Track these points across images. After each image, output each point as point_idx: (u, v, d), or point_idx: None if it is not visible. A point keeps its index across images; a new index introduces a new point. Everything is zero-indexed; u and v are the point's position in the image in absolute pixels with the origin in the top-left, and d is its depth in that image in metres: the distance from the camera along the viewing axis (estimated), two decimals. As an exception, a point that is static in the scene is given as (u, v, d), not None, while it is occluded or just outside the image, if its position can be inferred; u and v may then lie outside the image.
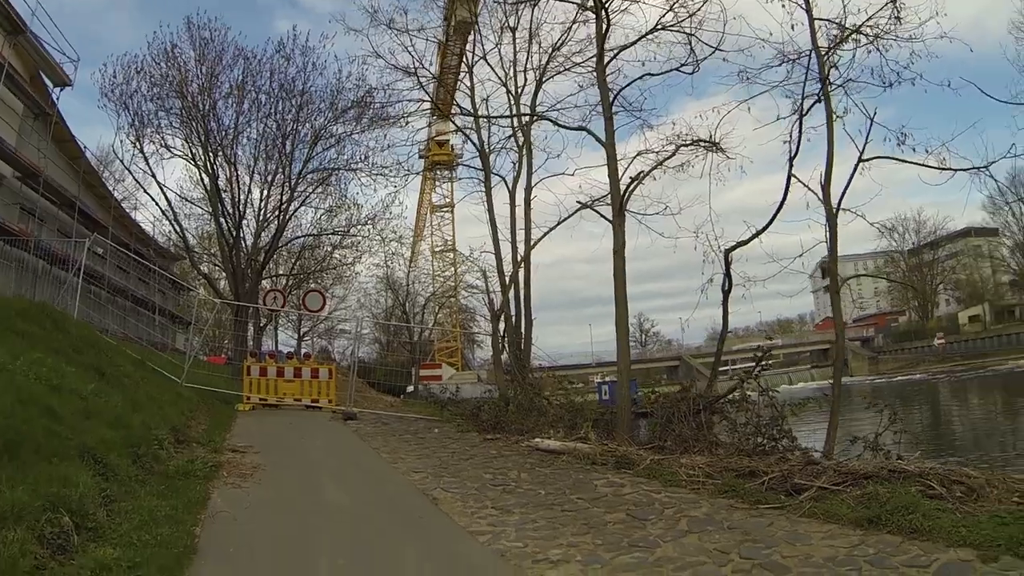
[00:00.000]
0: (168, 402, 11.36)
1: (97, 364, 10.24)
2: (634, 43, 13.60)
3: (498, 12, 19.41)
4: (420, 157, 37.65)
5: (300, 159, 23.66)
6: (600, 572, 4.76)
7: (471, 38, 21.09)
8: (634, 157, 13.60)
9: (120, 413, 7.78)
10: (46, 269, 19.84)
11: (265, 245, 24.21)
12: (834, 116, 10.83)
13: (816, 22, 11.10)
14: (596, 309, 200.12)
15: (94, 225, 25.62)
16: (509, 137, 20.22)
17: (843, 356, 11.51)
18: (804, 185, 10.86)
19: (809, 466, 7.26)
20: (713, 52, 12.41)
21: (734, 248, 11.59)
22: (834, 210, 10.62)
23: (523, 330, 18.15)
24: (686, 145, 12.88)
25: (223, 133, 22.60)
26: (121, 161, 23.33)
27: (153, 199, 24.22)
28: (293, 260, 32.24)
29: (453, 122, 22.47)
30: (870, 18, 10.72)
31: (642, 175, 12.80)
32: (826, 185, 10.69)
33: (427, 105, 20.60)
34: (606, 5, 13.29)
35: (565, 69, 18.57)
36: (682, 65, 12.94)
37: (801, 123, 10.97)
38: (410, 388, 37.45)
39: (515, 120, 19.39)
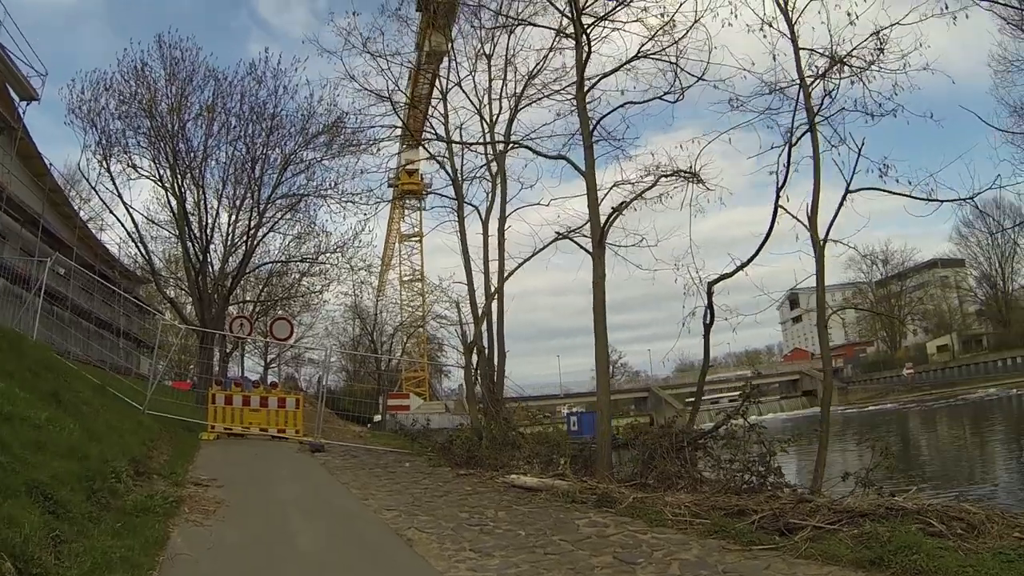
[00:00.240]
0: (128, 431, 10.83)
1: (54, 390, 9.70)
2: (615, 70, 13.46)
3: (472, 40, 19.31)
4: (390, 186, 37.38)
5: (269, 184, 23.17)
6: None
7: (445, 64, 20.95)
8: (611, 188, 13.40)
9: (76, 443, 7.28)
10: (7, 288, 19.16)
11: (232, 270, 23.64)
12: (820, 147, 10.84)
13: (800, 52, 11.13)
14: (561, 341, 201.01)
15: (58, 244, 24.97)
16: (483, 166, 20.02)
17: (831, 389, 11.38)
18: (792, 216, 10.80)
19: (801, 504, 7.05)
20: (697, 80, 12.32)
21: (717, 281, 11.43)
22: (821, 241, 10.54)
23: (496, 363, 17.82)
24: (666, 176, 12.73)
25: (192, 155, 22.06)
26: (87, 180, 22.69)
27: (119, 220, 23.39)
28: (261, 286, 31.54)
29: (427, 149, 22.22)
30: (855, 48, 10.74)
31: (623, 205, 12.60)
32: (813, 216, 10.62)
33: (399, 131, 20.41)
34: (587, 31, 13.19)
35: (543, 96, 18.41)
36: (665, 93, 12.82)
37: (790, 152, 10.93)
38: (377, 417, 36.89)
39: (490, 149, 19.17)
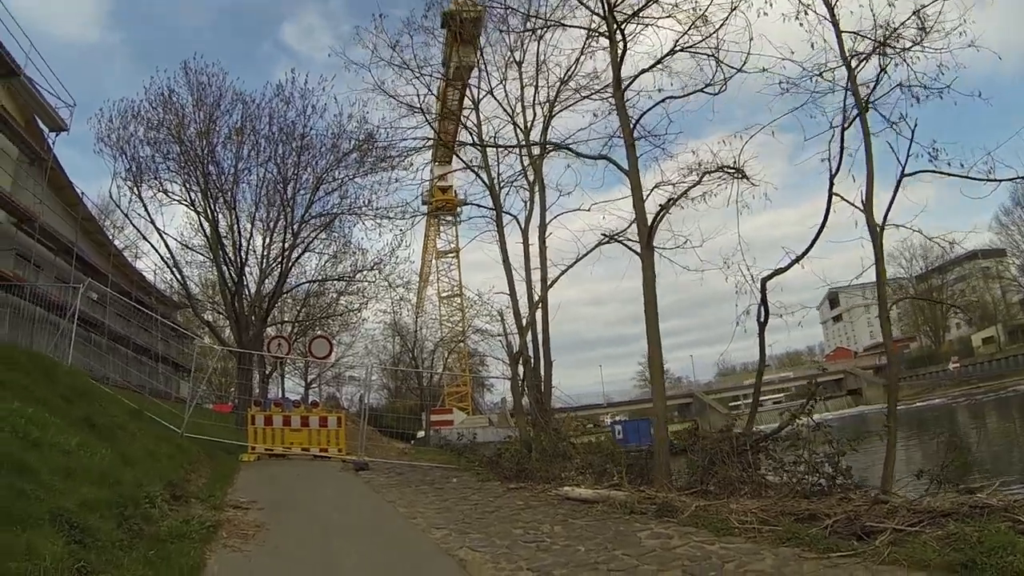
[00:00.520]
0: (166, 454, 10.56)
1: (88, 415, 9.47)
2: (654, 65, 13.07)
3: (502, 47, 18.95)
4: (424, 203, 37.32)
5: (302, 204, 23.13)
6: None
7: (475, 75, 20.61)
8: (652, 189, 12.95)
9: (108, 469, 6.96)
10: (43, 316, 19.17)
11: (269, 292, 23.58)
12: (871, 131, 10.41)
13: (843, 35, 10.78)
14: (600, 351, 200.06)
15: (93, 272, 25.17)
16: (520, 173, 19.60)
17: (898, 382, 10.77)
18: (848, 203, 10.38)
19: (877, 505, 6.56)
20: (737, 71, 11.85)
21: (771, 276, 10.97)
22: (878, 228, 9.97)
23: (542, 373, 17.34)
24: (710, 172, 12.23)
25: (223, 178, 22.13)
26: (119, 207, 22.81)
27: (154, 247, 23.47)
28: (298, 307, 31.41)
29: (461, 159, 21.84)
30: (896, 29, 10.40)
31: (670, 202, 12.10)
32: (868, 202, 10.17)
33: (431, 142, 20.11)
34: (622, 27, 12.74)
35: (581, 99, 17.97)
36: (707, 85, 12.36)
37: (843, 137, 10.45)
38: (420, 434, 36.64)
39: (526, 154, 18.77)
